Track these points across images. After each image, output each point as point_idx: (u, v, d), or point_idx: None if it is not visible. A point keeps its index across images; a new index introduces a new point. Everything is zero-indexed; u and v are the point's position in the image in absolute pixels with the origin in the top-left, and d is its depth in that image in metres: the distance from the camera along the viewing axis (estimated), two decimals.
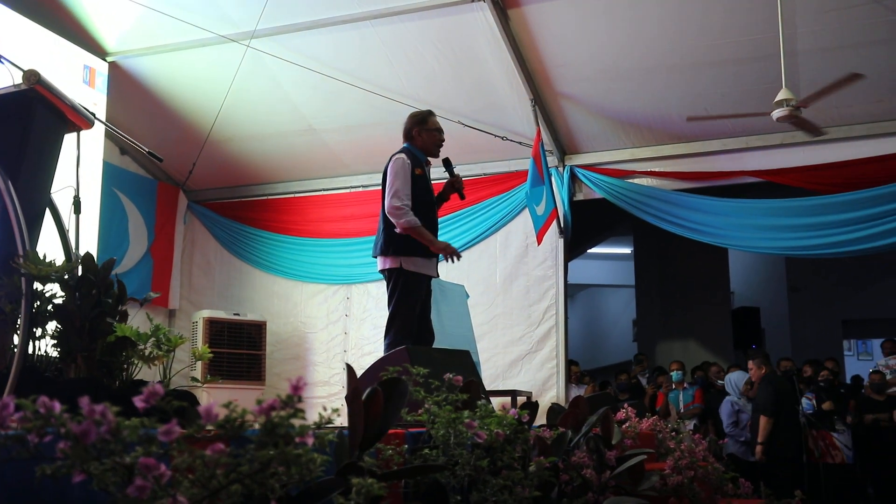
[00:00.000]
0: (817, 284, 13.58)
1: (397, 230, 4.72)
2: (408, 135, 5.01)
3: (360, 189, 8.62)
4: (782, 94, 5.93)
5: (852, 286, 13.47)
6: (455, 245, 5.83)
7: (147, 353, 2.61)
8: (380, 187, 8.12)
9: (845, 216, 6.84)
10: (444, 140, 5.04)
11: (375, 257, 4.97)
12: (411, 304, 4.79)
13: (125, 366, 2.57)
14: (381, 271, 4.88)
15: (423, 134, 4.96)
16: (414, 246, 4.77)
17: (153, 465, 1.04)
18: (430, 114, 5.07)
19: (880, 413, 8.55)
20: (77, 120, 3.05)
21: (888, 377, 9.00)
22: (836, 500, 7.95)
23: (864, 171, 6.92)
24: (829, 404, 8.27)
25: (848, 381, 11.03)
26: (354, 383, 1.94)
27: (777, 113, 5.95)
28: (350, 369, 2.02)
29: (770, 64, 6.20)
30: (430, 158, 5.04)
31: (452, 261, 4.91)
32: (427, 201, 4.93)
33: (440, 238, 5.02)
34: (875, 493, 9.05)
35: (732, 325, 12.71)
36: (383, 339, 4.85)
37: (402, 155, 4.86)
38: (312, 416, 1.40)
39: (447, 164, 5.11)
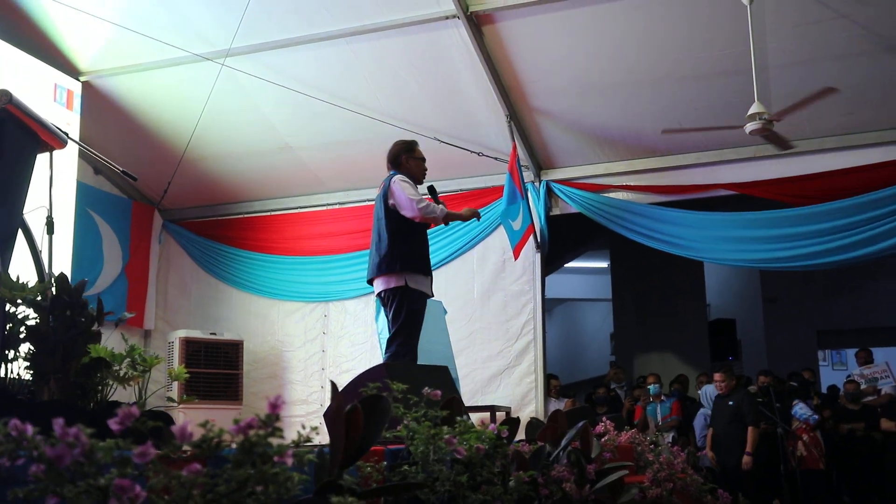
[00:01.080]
0: (792, 295, 13.70)
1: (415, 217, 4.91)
2: (396, 160, 5.21)
3: (337, 206, 8.60)
4: (754, 108, 6.00)
5: (827, 297, 13.61)
6: (432, 261, 6.04)
7: (122, 373, 2.58)
8: (357, 204, 8.18)
9: (818, 227, 6.92)
10: (427, 169, 5.28)
11: (372, 280, 5.08)
12: (417, 321, 4.97)
13: (100, 387, 2.54)
14: (383, 292, 4.99)
15: (410, 161, 5.18)
16: (417, 263, 4.99)
17: (128, 486, 1.02)
18: (415, 143, 5.34)
19: (855, 422, 8.62)
20: (49, 139, 3.03)
21: (863, 386, 9.08)
22: None
23: (835, 182, 7.01)
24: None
25: (823, 390, 11.11)
26: (337, 400, 1.93)
27: (750, 126, 6.02)
28: (334, 386, 2.01)
29: (742, 78, 6.28)
30: None
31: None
32: (420, 224, 5.11)
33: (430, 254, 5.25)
34: (850, 501, 9.12)
35: (709, 336, 12.80)
36: (384, 355, 5.00)
37: (399, 174, 5.07)
38: (291, 435, 1.39)
39: (432, 191, 5.29)
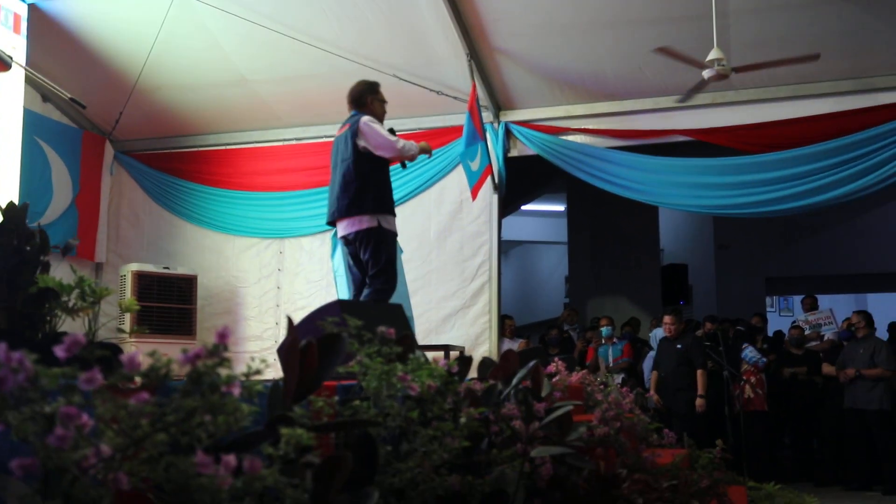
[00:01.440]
0: (743, 243, 13.95)
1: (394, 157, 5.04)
2: (360, 100, 5.21)
3: (294, 142, 8.50)
4: (713, 54, 6.01)
5: (776, 245, 13.89)
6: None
7: (71, 304, 2.55)
8: (315, 140, 8.08)
9: (770, 175, 7.03)
10: (386, 112, 5.33)
11: (334, 221, 5.11)
12: (394, 259, 5.04)
13: (48, 318, 2.51)
14: (353, 234, 5.00)
15: (374, 103, 5.21)
16: (386, 204, 5.05)
17: (74, 413, 1.01)
18: (378, 84, 5.32)
19: (798, 367, 8.89)
20: None
21: (807, 332, 9.35)
22: (755, 448, 8.28)
23: (789, 131, 7.09)
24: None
25: (770, 335, 11.41)
26: (293, 334, 1.93)
27: (707, 72, 6.04)
28: (290, 321, 2.00)
29: (703, 23, 6.27)
30: None
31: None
32: (386, 164, 5.16)
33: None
34: (790, 443, 9.46)
35: (661, 281, 13.02)
36: (364, 295, 5.01)
37: (365, 116, 5.07)
38: (244, 370, 1.39)
39: (392, 132, 5.23)
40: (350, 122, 5.14)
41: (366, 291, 5.03)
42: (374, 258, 4.98)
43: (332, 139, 8.29)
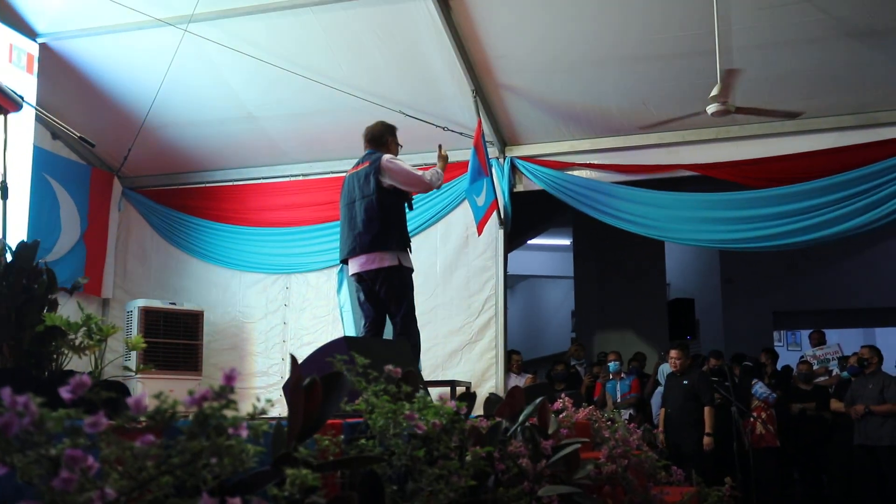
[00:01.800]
0: (750, 276, 13.92)
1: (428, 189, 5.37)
2: (380, 140, 5.37)
3: (301, 178, 8.54)
4: (717, 90, 6.05)
5: (783, 279, 13.85)
6: None
7: (77, 342, 2.55)
8: (321, 176, 8.15)
9: (776, 209, 7.03)
10: None
11: (347, 259, 5.18)
12: (413, 295, 5.13)
13: (55, 356, 2.51)
14: (372, 271, 5.04)
15: (391, 145, 5.39)
16: (405, 240, 5.15)
17: (80, 456, 1.01)
18: (396, 128, 5.54)
19: (807, 402, 8.83)
20: (3, 102, 2.96)
21: (815, 367, 9.29)
22: (765, 485, 8.18)
23: (794, 166, 7.10)
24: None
25: (778, 370, 11.34)
26: (297, 373, 1.93)
27: (712, 108, 6.07)
28: (293, 359, 2.00)
29: (706, 59, 6.32)
30: None
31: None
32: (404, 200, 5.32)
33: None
34: (800, 478, 9.36)
35: (668, 316, 12.97)
36: (394, 334, 5.12)
37: (387, 154, 5.25)
38: (249, 408, 1.39)
39: None
40: (369, 160, 5.20)
41: (397, 338, 5.09)
42: (398, 295, 5.06)
43: (338, 175, 8.39)
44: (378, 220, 5.04)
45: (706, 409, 7.82)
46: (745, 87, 6.72)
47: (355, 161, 5.53)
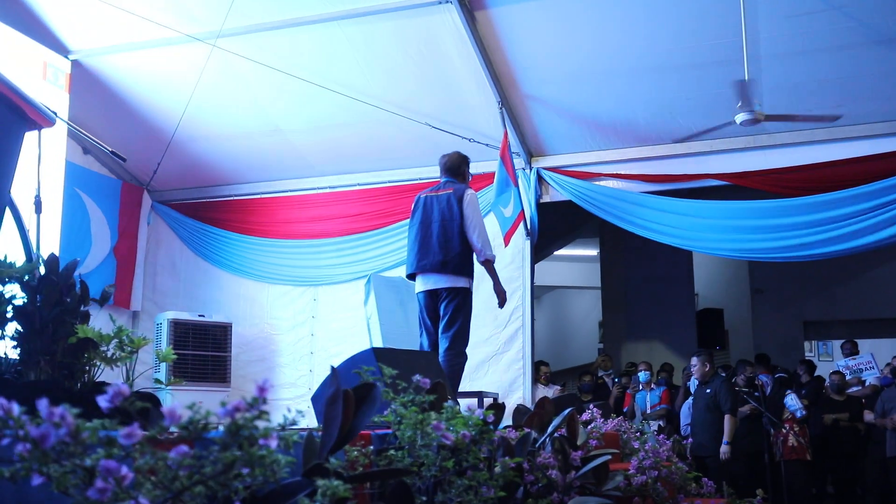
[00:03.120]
0: (779, 286, 13.76)
1: (479, 259, 5.47)
2: (457, 170, 5.67)
3: (328, 190, 8.59)
4: (742, 100, 6.01)
5: (814, 288, 13.67)
6: None
7: (109, 354, 2.58)
8: (348, 188, 8.22)
9: (806, 218, 6.94)
10: None
11: (414, 274, 5.48)
12: (469, 319, 5.47)
13: (87, 368, 2.54)
14: (448, 289, 5.39)
15: (465, 173, 5.71)
16: (473, 269, 5.47)
17: (114, 467, 1.02)
18: (469, 158, 5.84)
19: (840, 413, 8.70)
20: (37, 118, 3.01)
21: (848, 378, 9.16)
22: (797, 497, 8.06)
23: (824, 175, 7.03)
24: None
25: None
26: (336, 386, 1.93)
27: (740, 117, 6.03)
28: (334, 371, 2.01)
29: (734, 68, 6.28)
30: None
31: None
32: None
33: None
34: (835, 491, 9.21)
35: (697, 326, 12.86)
36: (441, 349, 5.36)
37: (470, 189, 5.56)
38: (278, 419, 1.39)
39: None
40: (452, 188, 5.50)
41: (444, 353, 5.33)
42: (462, 316, 5.37)
43: (366, 187, 8.45)
44: (457, 244, 5.36)
45: (726, 417, 7.63)
46: (774, 96, 6.66)
47: (435, 185, 5.72)
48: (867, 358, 9.30)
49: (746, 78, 6.00)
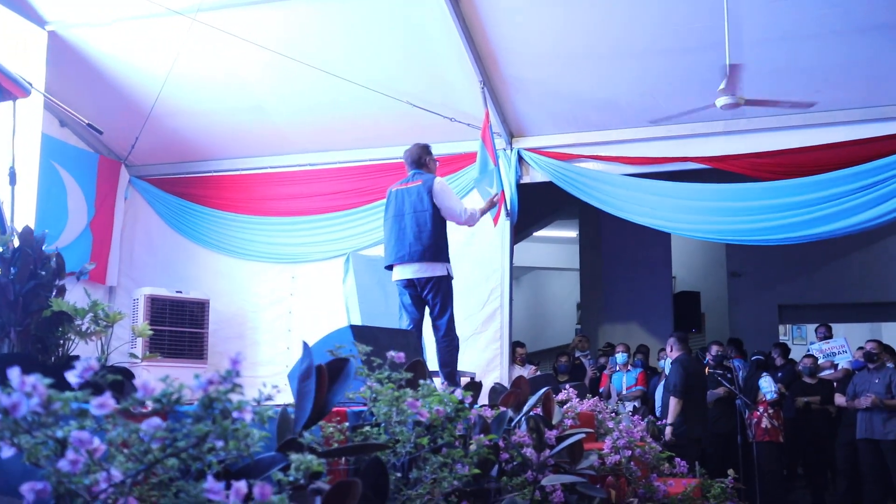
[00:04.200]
0: (756, 270, 13.87)
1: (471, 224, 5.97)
2: (421, 161, 5.91)
3: (308, 168, 8.54)
4: (725, 83, 6.03)
5: (789, 273, 13.80)
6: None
7: (84, 328, 2.56)
8: (328, 166, 8.25)
9: (785, 200, 6.99)
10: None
11: (392, 265, 5.73)
12: (453, 303, 5.73)
13: (61, 341, 2.52)
14: (427, 278, 5.65)
15: (430, 162, 5.93)
16: (449, 253, 5.74)
17: (86, 438, 1.02)
18: (430, 146, 6.08)
19: (812, 396, 8.81)
20: (12, 88, 2.97)
21: (820, 361, 9.27)
22: (768, 478, 8.17)
23: (803, 159, 7.08)
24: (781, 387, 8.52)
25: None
26: (308, 361, 1.93)
27: (721, 101, 6.05)
28: (306, 346, 2.01)
29: (716, 53, 6.30)
30: None
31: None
32: None
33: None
34: (805, 473, 9.35)
35: (674, 308, 12.96)
36: (435, 336, 5.73)
37: (438, 177, 5.87)
38: (255, 394, 1.39)
39: None
40: (421, 179, 5.76)
41: (438, 343, 5.70)
42: (443, 303, 5.64)
43: (346, 164, 8.43)
44: (430, 233, 5.61)
45: (672, 398, 7.69)
46: (754, 81, 6.69)
47: (404, 179, 5.93)
48: (840, 342, 9.41)
49: (728, 62, 6.02)
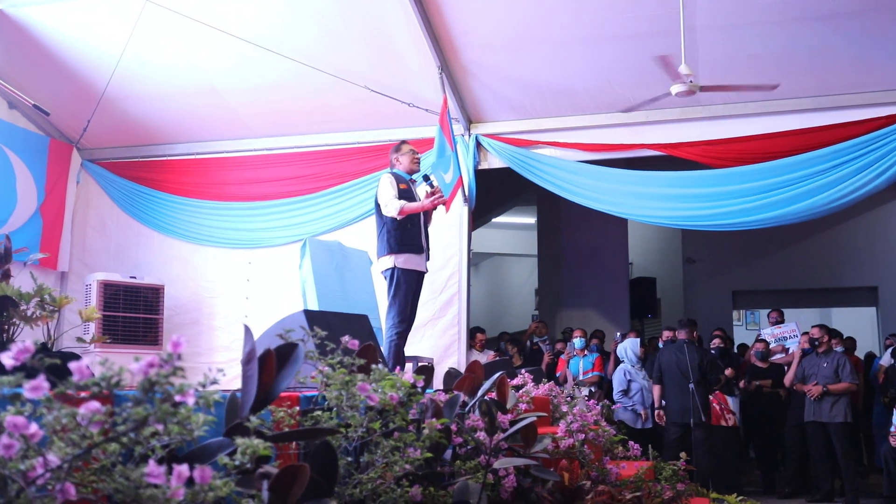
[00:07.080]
0: (710, 256, 14.07)
1: (398, 218, 5.62)
2: (390, 162, 6.00)
3: (264, 152, 8.45)
4: (682, 70, 6.08)
5: (743, 259, 14.02)
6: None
7: (30, 313, 2.51)
8: (285, 150, 8.22)
9: (738, 186, 7.13)
10: (419, 157, 6.09)
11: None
12: (404, 295, 5.67)
13: (5, 326, 2.47)
14: (383, 272, 5.75)
15: (400, 159, 5.93)
16: (404, 244, 5.69)
17: (21, 423, 1.00)
18: (402, 142, 6.09)
19: (763, 380, 8.98)
20: None
21: (772, 346, 9.45)
22: (721, 461, 8.31)
23: (756, 146, 7.19)
24: (731, 371, 8.65)
25: (735, 349, 11.51)
26: (251, 345, 1.92)
27: (676, 88, 6.10)
28: (247, 330, 1.99)
29: (671, 39, 6.35)
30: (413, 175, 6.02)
31: (441, 204, 5.94)
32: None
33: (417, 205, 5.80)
34: (756, 455, 9.53)
35: (630, 294, 13.10)
36: (383, 326, 5.82)
37: (387, 174, 5.83)
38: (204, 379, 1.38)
39: (426, 178, 5.95)
40: None
41: (387, 326, 5.74)
42: (393, 294, 5.66)
43: (303, 150, 8.38)
44: (378, 228, 5.76)
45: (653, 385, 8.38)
46: (709, 68, 6.76)
47: None
48: (791, 326, 9.60)
49: (683, 49, 6.07)
